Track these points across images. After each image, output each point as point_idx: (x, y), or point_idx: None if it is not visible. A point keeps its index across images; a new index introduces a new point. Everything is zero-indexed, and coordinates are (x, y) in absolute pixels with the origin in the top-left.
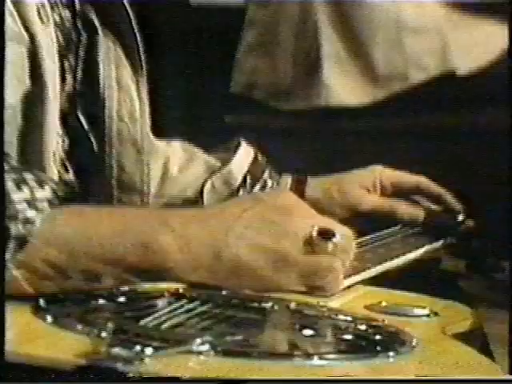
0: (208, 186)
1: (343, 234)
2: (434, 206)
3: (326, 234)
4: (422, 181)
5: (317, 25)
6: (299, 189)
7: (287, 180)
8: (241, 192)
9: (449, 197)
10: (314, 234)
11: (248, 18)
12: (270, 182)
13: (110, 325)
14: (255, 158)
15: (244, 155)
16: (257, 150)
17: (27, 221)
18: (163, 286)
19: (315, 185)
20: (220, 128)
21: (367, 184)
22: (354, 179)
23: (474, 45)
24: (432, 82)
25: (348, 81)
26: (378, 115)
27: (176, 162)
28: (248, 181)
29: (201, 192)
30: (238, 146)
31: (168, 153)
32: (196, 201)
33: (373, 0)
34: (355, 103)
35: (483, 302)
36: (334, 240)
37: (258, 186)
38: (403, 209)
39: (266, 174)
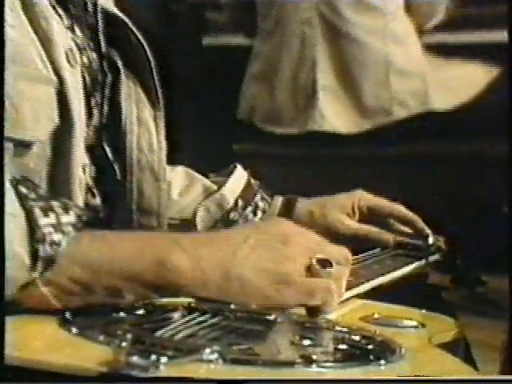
0: (202, 208)
1: (339, 259)
2: (406, 230)
3: (324, 264)
4: (396, 207)
5: (315, 59)
6: (288, 210)
7: (278, 202)
8: (231, 214)
9: (419, 221)
10: (314, 262)
11: (253, 51)
12: (261, 204)
13: (129, 336)
14: (248, 182)
15: (238, 179)
16: (250, 174)
17: (54, 243)
18: (178, 300)
19: (301, 207)
20: (224, 154)
21: (347, 209)
22: (335, 203)
23: (453, 85)
24: (413, 117)
25: (340, 111)
26: (364, 143)
27: (177, 186)
28: (239, 203)
29: (194, 212)
30: (233, 170)
31: (171, 177)
32: (193, 221)
33: (366, 41)
34: (345, 131)
35: (466, 312)
36: (331, 269)
37: (249, 209)
38: (376, 234)
39: (257, 197)
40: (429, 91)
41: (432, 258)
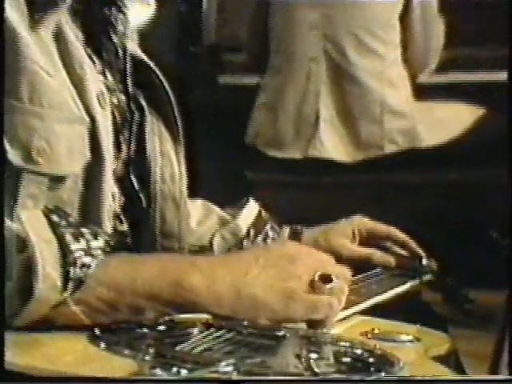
0: (218, 236)
1: (339, 275)
2: (402, 252)
3: (325, 279)
4: (392, 230)
5: (319, 94)
6: (295, 239)
7: (286, 232)
8: (244, 242)
9: (413, 244)
10: (316, 278)
11: (263, 84)
12: (271, 234)
13: (151, 350)
14: (259, 214)
15: (250, 211)
16: (261, 206)
17: (84, 266)
18: (196, 317)
19: (307, 236)
20: (237, 182)
21: (348, 233)
22: (337, 230)
23: (442, 124)
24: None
25: (337, 141)
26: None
27: (196, 216)
28: (251, 233)
29: (211, 240)
30: (245, 202)
31: (190, 209)
32: (210, 247)
33: (365, 82)
34: (340, 160)
35: (456, 325)
36: (331, 284)
37: (260, 237)
38: (377, 256)
39: (267, 227)
40: (418, 130)
41: (425, 278)
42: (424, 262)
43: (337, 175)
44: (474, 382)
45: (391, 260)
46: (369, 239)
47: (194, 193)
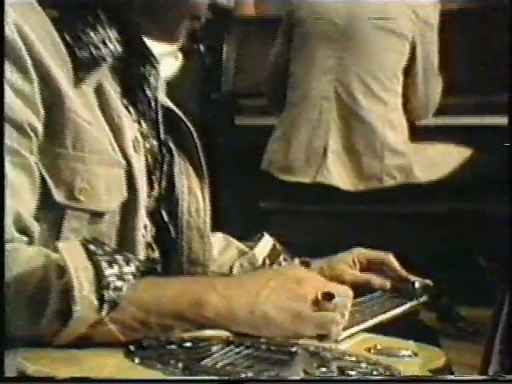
0: (237, 264)
1: (341, 294)
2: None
3: (328, 297)
4: (387, 258)
5: (329, 128)
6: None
7: (296, 262)
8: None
9: (403, 271)
10: (319, 297)
11: (280, 119)
12: (283, 263)
13: (180, 364)
14: (274, 246)
15: (265, 243)
16: (275, 241)
17: (117, 289)
18: (216, 333)
19: (314, 265)
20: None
21: (349, 262)
22: (340, 259)
23: (432, 162)
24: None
25: (342, 171)
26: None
27: (217, 247)
28: (266, 262)
29: (231, 267)
30: (261, 237)
31: (213, 241)
32: (229, 275)
33: (370, 122)
34: (344, 188)
35: (449, 339)
36: (334, 301)
37: (274, 267)
38: (375, 280)
39: (281, 258)
40: (413, 168)
41: (422, 300)
42: (417, 285)
43: (341, 204)
44: (473, 382)
45: (387, 283)
46: (368, 266)
47: (216, 226)
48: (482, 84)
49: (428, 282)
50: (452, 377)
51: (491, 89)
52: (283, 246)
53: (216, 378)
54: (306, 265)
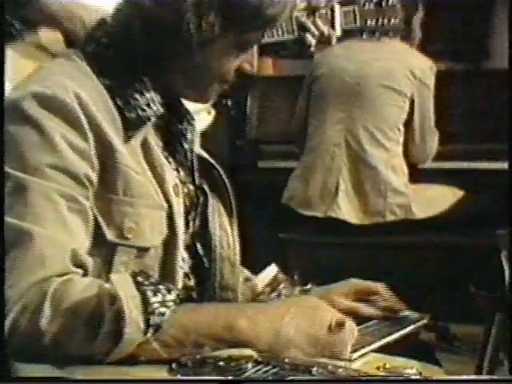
0: (239, 290)
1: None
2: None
3: (341, 324)
4: (379, 288)
5: (340, 171)
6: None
7: (297, 290)
8: (260, 297)
9: (393, 301)
10: (333, 323)
11: (299, 161)
12: (284, 292)
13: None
14: (276, 276)
15: (267, 273)
16: (278, 270)
17: (160, 314)
18: (245, 352)
19: (314, 293)
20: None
21: (343, 291)
22: (336, 289)
23: (429, 201)
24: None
25: (350, 208)
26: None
27: None
28: (266, 290)
29: None
30: (269, 266)
31: None
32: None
33: (375, 166)
34: (352, 222)
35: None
36: (344, 328)
37: (274, 294)
38: (362, 309)
39: (281, 286)
40: (412, 206)
41: (421, 323)
42: (406, 313)
43: (349, 235)
44: (474, 382)
45: (373, 311)
46: (361, 296)
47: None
48: (473, 135)
49: (415, 314)
50: (452, 377)
51: (481, 139)
52: (300, 272)
53: (216, 377)
54: (306, 292)
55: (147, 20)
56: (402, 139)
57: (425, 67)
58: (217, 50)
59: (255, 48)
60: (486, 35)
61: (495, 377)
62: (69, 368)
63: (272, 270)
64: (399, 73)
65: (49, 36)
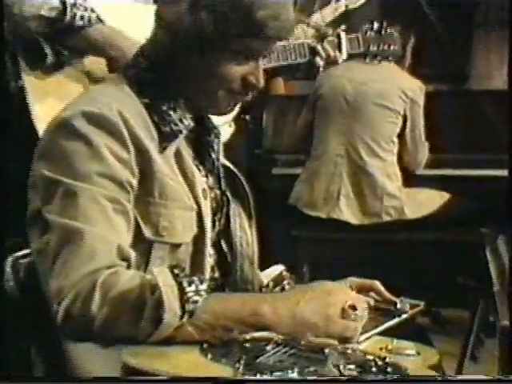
0: (256, 283)
1: (361, 303)
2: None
3: (353, 308)
4: (374, 284)
5: (341, 177)
6: None
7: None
8: (263, 290)
9: (388, 295)
10: (346, 307)
11: (304, 168)
12: (286, 287)
13: (241, 361)
14: (280, 273)
15: (272, 271)
16: (284, 268)
17: (194, 302)
18: (268, 334)
19: None
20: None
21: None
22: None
23: (419, 203)
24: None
25: (350, 210)
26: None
27: None
28: (270, 284)
29: None
30: (276, 264)
31: None
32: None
33: (372, 174)
34: (352, 222)
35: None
36: (356, 311)
37: (277, 289)
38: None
39: (285, 282)
40: (404, 208)
41: (418, 309)
42: (398, 306)
43: (349, 233)
44: (474, 382)
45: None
46: (359, 292)
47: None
48: (458, 146)
49: (411, 301)
50: (452, 377)
51: (466, 150)
52: (308, 265)
53: (217, 377)
54: None
55: (173, 34)
56: (396, 150)
57: (415, 88)
58: (218, 56)
59: (260, 62)
60: (465, 61)
61: (495, 377)
62: (116, 347)
63: (276, 269)
64: (393, 93)
65: (93, 62)
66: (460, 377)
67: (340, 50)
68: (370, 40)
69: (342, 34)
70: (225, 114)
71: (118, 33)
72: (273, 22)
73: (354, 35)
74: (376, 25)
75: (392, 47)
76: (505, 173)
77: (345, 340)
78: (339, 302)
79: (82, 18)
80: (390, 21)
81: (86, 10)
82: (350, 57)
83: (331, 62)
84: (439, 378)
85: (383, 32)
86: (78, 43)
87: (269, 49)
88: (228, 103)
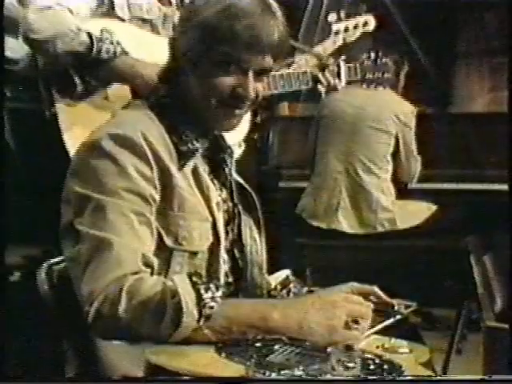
0: (265, 288)
1: (364, 315)
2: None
3: (355, 322)
4: (373, 289)
5: (341, 192)
6: None
7: (304, 290)
8: (271, 292)
9: (386, 298)
10: (349, 320)
11: (309, 182)
12: (293, 290)
13: (252, 359)
14: (287, 277)
15: (280, 274)
16: (291, 273)
17: (210, 307)
18: (277, 337)
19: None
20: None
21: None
22: (337, 290)
23: (409, 214)
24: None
25: (348, 221)
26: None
27: None
28: (278, 287)
29: None
30: (283, 269)
31: None
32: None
33: (368, 189)
34: (349, 232)
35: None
36: (358, 325)
37: (284, 292)
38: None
39: (291, 285)
40: (396, 219)
41: (410, 309)
42: (396, 307)
43: (347, 241)
44: (473, 382)
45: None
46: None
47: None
48: (444, 162)
49: (403, 303)
50: (452, 377)
51: (451, 165)
52: (310, 270)
53: (217, 376)
54: (311, 292)
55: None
56: (390, 167)
57: (407, 111)
58: (207, 68)
59: (250, 74)
60: (448, 87)
61: (495, 377)
62: (140, 346)
63: (283, 272)
64: (387, 117)
65: (115, 90)
66: (449, 377)
67: (339, 78)
68: (367, 68)
69: (342, 64)
70: (228, 130)
71: (140, 63)
72: (248, 31)
73: (353, 64)
74: (372, 55)
75: (386, 75)
76: (487, 186)
77: (346, 347)
78: (344, 315)
79: (107, 51)
80: (384, 52)
81: (111, 43)
82: (349, 83)
83: (331, 89)
84: (434, 378)
85: (379, 61)
86: (105, 74)
87: (255, 61)
88: (226, 118)
